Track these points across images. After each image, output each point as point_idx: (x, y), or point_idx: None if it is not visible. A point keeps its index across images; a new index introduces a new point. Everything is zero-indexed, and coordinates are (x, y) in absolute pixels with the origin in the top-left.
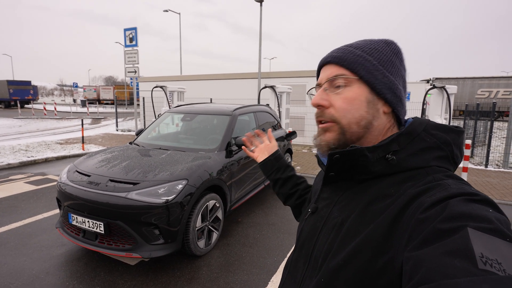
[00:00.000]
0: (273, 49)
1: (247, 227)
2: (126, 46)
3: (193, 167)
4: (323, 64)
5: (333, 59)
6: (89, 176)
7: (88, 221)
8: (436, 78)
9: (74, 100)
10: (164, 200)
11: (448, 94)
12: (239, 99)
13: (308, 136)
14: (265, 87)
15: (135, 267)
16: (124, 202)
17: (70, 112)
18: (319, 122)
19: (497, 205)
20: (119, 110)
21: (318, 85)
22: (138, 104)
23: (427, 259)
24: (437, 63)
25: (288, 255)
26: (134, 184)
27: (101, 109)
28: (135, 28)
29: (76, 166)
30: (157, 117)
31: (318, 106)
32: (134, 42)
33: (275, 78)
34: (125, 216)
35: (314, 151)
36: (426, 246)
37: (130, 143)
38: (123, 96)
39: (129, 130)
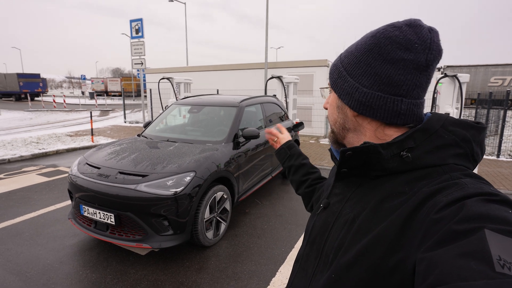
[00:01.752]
0: (280, 38)
1: (254, 218)
2: (132, 37)
3: (200, 159)
4: None
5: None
6: (99, 168)
7: (99, 213)
8: (448, 66)
9: (83, 92)
10: (172, 192)
11: (460, 83)
12: (246, 90)
13: (315, 126)
14: (272, 77)
15: (145, 257)
16: (134, 194)
17: (79, 104)
18: None
19: None
20: (126, 102)
21: None
22: (146, 96)
23: (441, 261)
24: (450, 51)
25: (299, 248)
26: (143, 176)
27: (109, 101)
28: (141, 19)
29: (86, 158)
30: (164, 109)
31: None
32: (140, 34)
33: (282, 68)
34: (135, 207)
35: (322, 141)
36: (440, 247)
37: (138, 135)
38: (130, 88)
39: (137, 122)
